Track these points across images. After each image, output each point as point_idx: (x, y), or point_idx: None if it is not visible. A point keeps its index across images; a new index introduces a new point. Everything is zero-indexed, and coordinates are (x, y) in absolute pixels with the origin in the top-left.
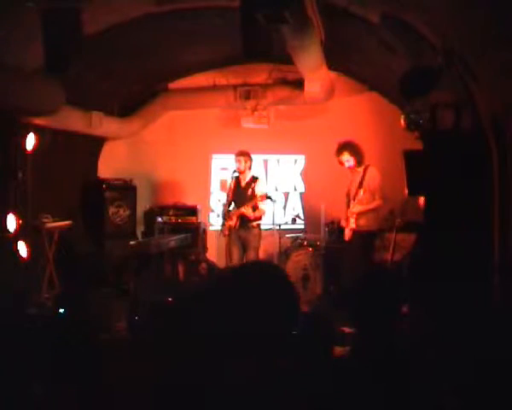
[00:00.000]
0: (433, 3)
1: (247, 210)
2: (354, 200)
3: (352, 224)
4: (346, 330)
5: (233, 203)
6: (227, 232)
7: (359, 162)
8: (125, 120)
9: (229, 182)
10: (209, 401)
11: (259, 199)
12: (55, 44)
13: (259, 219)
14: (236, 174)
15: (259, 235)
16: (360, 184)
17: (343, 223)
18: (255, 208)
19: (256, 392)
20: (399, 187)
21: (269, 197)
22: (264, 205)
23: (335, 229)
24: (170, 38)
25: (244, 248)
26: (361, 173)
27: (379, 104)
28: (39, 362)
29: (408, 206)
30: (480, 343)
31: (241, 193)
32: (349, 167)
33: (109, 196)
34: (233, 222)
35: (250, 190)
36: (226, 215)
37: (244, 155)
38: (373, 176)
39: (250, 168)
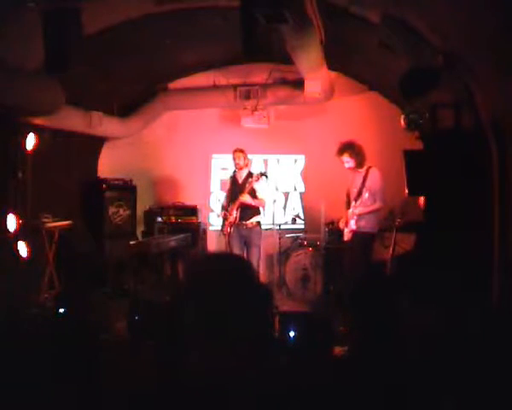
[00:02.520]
0: (433, 3)
1: (244, 197)
2: (355, 201)
3: (353, 225)
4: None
5: (231, 202)
6: (227, 230)
7: (359, 164)
8: (125, 119)
9: (228, 182)
10: (209, 399)
11: (255, 179)
12: (55, 44)
13: (258, 213)
14: (233, 173)
15: (261, 233)
16: (362, 186)
17: (341, 225)
18: (254, 196)
19: (255, 390)
20: (399, 187)
21: (263, 174)
22: (262, 194)
23: (335, 229)
24: (170, 38)
25: (246, 246)
26: (363, 174)
27: (379, 104)
28: (39, 362)
29: (408, 206)
30: (480, 343)
31: (239, 189)
32: (349, 168)
33: (109, 195)
34: (233, 217)
35: (247, 185)
36: (226, 213)
37: (242, 151)
38: (375, 178)
39: (247, 166)
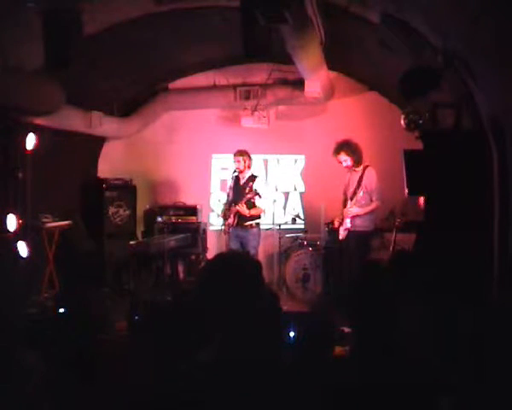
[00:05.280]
0: (433, 3)
1: (240, 208)
2: (352, 200)
3: (348, 224)
4: (346, 330)
5: (233, 202)
6: (227, 230)
7: (357, 162)
8: (125, 119)
9: (230, 182)
10: (210, 400)
11: (250, 196)
12: (55, 44)
13: (257, 217)
14: (236, 173)
15: (258, 234)
16: (359, 185)
17: (336, 224)
18: (252, 206)
19: (257, 390)
20: (399, 187)
21: (257, 194)
22: (261, 203)
23: (334, 229)
24: (170, 38)
25: (243, 247)
26: (359, 173)
27: (379, 104)
28: (39, 362)
29: (408, 206)
30: (480, 343)
31: (240, 191)
32: (346, 167)
33: (109, 195)
34: (231, 220)
35: (248, 189)
36: (226, 214)
37: (243, 154)
38: (371, 177)
39: (249, 167)
